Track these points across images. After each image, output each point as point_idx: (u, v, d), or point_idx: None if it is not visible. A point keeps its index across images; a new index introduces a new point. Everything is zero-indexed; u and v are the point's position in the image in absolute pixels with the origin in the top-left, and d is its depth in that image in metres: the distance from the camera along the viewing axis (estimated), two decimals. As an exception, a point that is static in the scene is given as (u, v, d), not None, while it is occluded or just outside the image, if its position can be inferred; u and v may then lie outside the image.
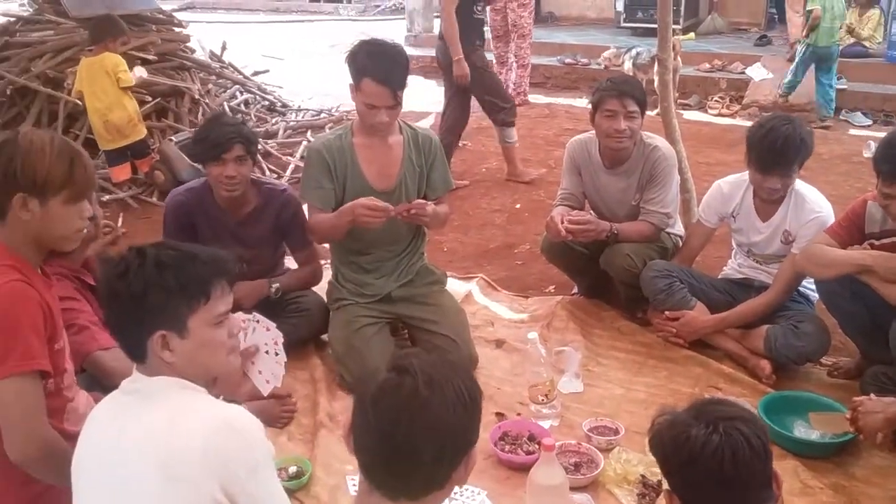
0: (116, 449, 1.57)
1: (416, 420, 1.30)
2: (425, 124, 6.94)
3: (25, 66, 5.90)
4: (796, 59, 7.16)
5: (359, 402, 1.36)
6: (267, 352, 2.30)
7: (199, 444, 1.50)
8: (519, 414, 2.88)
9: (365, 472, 1.36)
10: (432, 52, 9.90)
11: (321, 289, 3.44)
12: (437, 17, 11.46)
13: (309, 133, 6.76)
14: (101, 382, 2.35)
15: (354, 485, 2.50)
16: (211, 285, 1.62)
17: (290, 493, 2.31)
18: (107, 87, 5.03)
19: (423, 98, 7.93)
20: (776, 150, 2.96)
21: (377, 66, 2.88)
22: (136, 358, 1.62)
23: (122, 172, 5.35)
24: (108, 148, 5.27)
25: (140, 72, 5.46)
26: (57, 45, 6.00)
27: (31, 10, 6.67)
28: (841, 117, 7.29)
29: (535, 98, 8.20)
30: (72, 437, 1.77)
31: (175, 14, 7.25)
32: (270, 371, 2.30)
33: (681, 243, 3.56)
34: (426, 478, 1.34)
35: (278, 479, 1.69)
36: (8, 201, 1.88)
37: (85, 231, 2.08)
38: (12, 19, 6.51)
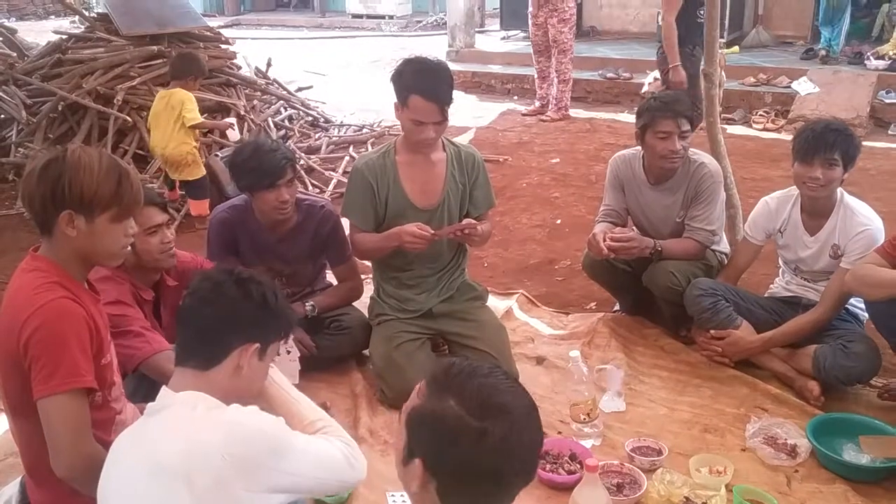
0: (143, 471, 1.60)
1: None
2: (465, 139, 6.99)
3: (77, 82, 6.04)
4: None
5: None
6: (278, 353, 2.32)
7: (216, 451, 1.57)
8: (560, 433, 2.85)
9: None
10: (473, 68, 10.08)
11: (363, 304, 3.46)
12: (479, 32, 11.57)
13: (351, 148, 6.83)
14: (146, 387, 2.40)
15: (395, 501, 2.50)
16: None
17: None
18: (168, 121, 5.04)
19: (464, 113, 7.97)
20: (817, 134, 2.99)
21: (424, 83, 2.91)
22: (213, 360, 1.73)
23: (200, 207, 5.23)
24: (172, 178, 5.28)
25: (234, 135, 5.55)
26: (108, 63, 6.15)
27: (82, 27, 6.84)
28: (890, 132, 7.14)
29: (576, 113, 8.18)
30: None
31: (221, 31, 7.38)
32: (287, 371, 2.33)
33: (726, 261, 3.51)
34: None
35: (309, 440, 1.76)
36: (55, 218, 1.90)
37: (129, 248, 2.11)
38: (64, 37, 6.69)
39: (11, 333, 1.87)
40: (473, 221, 3.07)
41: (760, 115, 7.73)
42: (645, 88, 8.33)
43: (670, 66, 5.36)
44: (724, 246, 3.59)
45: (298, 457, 1.69)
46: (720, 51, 7.40)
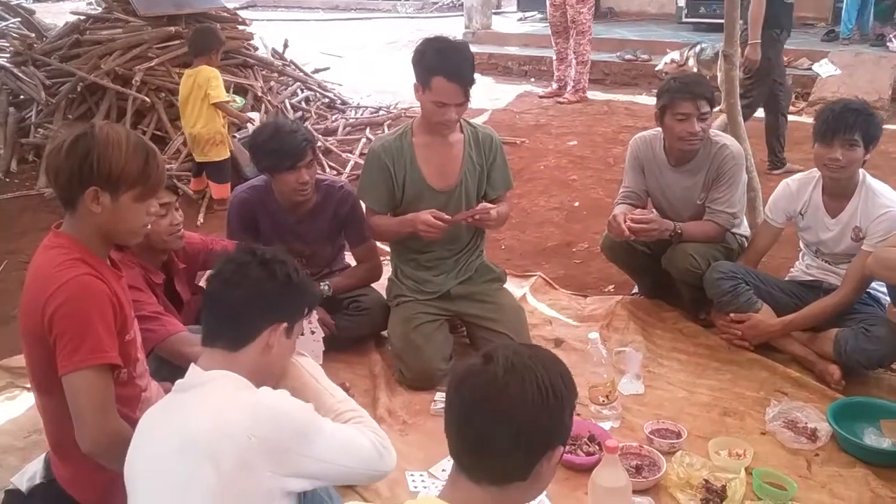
0: (171, 448, 1.62)
1: (492, 406, 1.33)
2: (481, 121, 6.95)
3: (95, 63, 6.04)
4: None
5: (448, 387, 1.41)
6: (302, 333, 2.32)
7: (242, 432, 1.59)
8: (578, 414, 2.84)
9: (452, 456, 1.39)
10: (490, 49, 10.02)
11: (381, 286, 3.46)
12: (496, 13, 11.49)
13: (368, 130, 6.81)
14: (169, 366, 2.42)
15: (414, 480, 2.52)
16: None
17: (351, 487, 2.33)
18: (196, 100, 5.03)
19: (480, 95, 7.92)
20: (836, 114, 2.96)
21: (447, 64, 2.88)
22: (242, 341, 1.73)
23: (222, 191, 5.18)
24: (197, 160, 5.26)
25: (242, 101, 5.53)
26: (125, 43, 6.14)
27: (100, 8, 6.84)
28: (913, 115, 7.06)
29: (594, 95, 8.11)
30: None
31: (238, 12, 7.36)
32: (311, 351, 2.34)
33: (746, 244, 3.49)
34: (504, 465, 1.36)
35: (339, 427, 1.77)
36: (80, 194, 1.90)
37: (149, 227, 2.11)
38: (82, 17, 6.69)
39: (36, 310, 1.88)
40: (487, 205, 3.06)
41: (780, 98, 7.64)
42: (659, 67, 8.29)
43: (749, 41, 5.30)
44: (744, 229, 3.56)
45: (327, 443, 1.70)
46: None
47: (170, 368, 2.35)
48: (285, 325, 1.79)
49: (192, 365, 1.75)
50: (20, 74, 6.37)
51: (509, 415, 1.32)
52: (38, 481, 2.32)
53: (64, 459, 2.09)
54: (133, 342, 2.06)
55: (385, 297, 3.38)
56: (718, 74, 7.12)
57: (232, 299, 1.74)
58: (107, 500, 2.09)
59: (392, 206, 3.14)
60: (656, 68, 8.44)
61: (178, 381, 1.74)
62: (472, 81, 2.94)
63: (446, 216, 2.98)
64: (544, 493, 2.39)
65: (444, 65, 2.87)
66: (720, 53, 7.28)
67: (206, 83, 5.00)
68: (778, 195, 3.30)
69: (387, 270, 3.50)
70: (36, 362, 1.98)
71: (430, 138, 3.09)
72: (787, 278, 3.41)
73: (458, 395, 1.36)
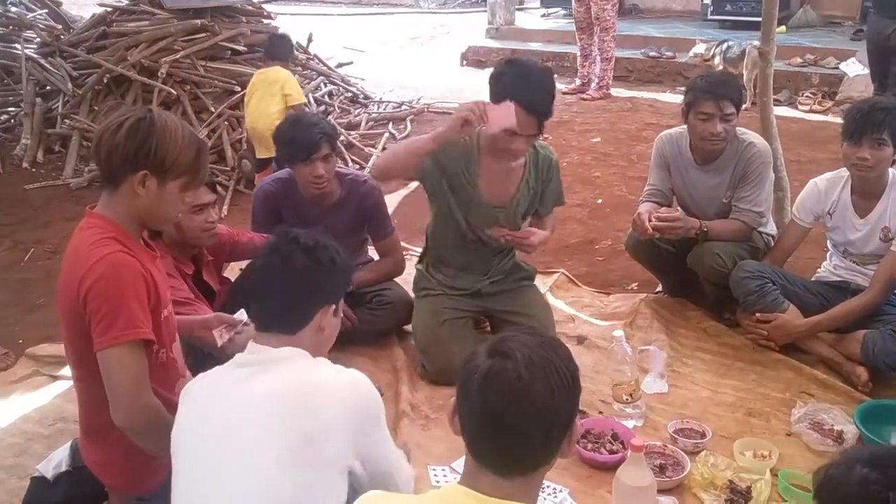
0: (249, 412, 1.66)
1: (522, 405, 1.33)
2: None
3: (122, 55, 6.09)
4: None
5: (465, 389, 1.39)
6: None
7: (336, 398, 1.67)
8: (601, 412, 2.84)
9: (474, 454, 1.38)
10: (513, 45, 9.98)
11: (404, 281, 3.46)
12: (519, 9, 11.44)
13: (390, 125, 6.81)
14: (197, 353, 2.43)
15: (436, 474, 2.52)
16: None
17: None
18: (262, 96, 5.06)
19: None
20: (864, 113, 2.93)
21: (525, 92, 2.68)
22: (297, 326, 1.78)
23: None
24: (258, 156, 5.26)
25: None
26: (152, 35, 6.18)
27: (126, 0, 6.89)
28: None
29: (618, 92, 8.06)
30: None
31: (263, 6, 7.38)
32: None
33: (772, 243, 3.45)
34: (536, 456, 1.38)
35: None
36: (130, 175, 1.93)
37: (180, 215, 2.15)
38: (109, 9, 6.73)
39: (71, 288, 1.91)
40: (531, 231, 2.99)
41: (807, 96, 7.57)
42: (684, 60, 8.22)
43: None
44: (770, 228, 3.53)
45: (385, 435, 1.81)
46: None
47: (196, 357, 2.35)
48: (334, 306, 1.86)
49: (252, 342, 1.79)
50: (47, 65, 6.42)
51: (539, 411, 1.33)
52: (63, 469, 2.36)
53: (96, 443, 2.11)
54: (170, 320, 2.08)
55: (407, 291, 3.38)
56: (745, 73, 7.10)
57: (282, 290, 1.79)
58: (136, 486, 2.12)
59: (441, 201, 3.03)
60: (682, 60, 8.38)
61: (240, 357, 1.78)
62: (548, 114, 2.74)
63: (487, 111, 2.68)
64: (567, 491, 2.41)
65: (521, 92, 2.67)
66: (747, 52, 7.29)
67: (281, 83, 5.04)
68: (805, 195, 3.27)
69: (410, 265, 3.50)
70: (72, 342, 2.00)
71: (496, 160, 2.94)
72: (813, 279, 3.37)
73: (482, 398, 1.35)
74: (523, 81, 2.70)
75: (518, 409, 1.32)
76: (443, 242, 3.19)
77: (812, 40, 8.87)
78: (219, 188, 3.20)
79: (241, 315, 2.37)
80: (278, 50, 5.34)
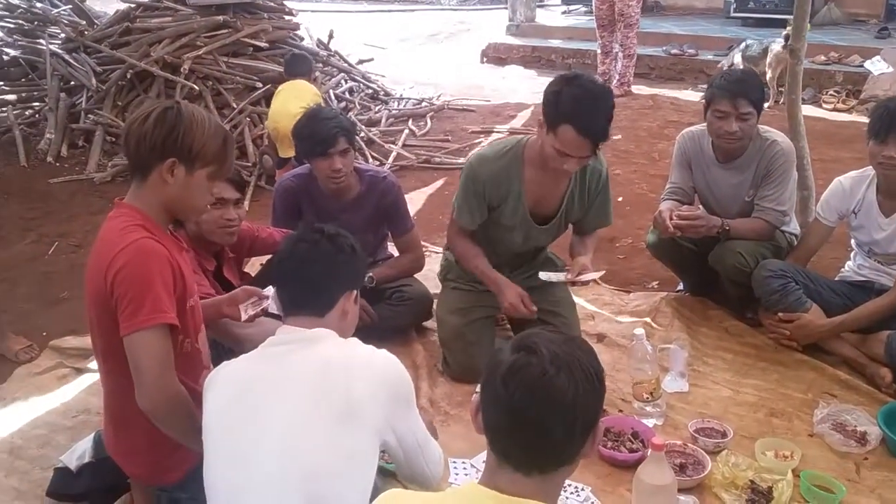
0: (285, 387, 1.72)
1: (547, 399, 1.32)
2: (525, 116, 6.91)
3: (145, 51, 6.13)
4: None
5: (489, 384, 1.38)
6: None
7: (372, 373, 1.76)
8: (621, 411, 2.83)
9: (496, 449, 1.38)
10: (533, 42, 9.96)
11: (424, 277, 3.47)
12: (540, 6, 11.40)
13: (410, 122, 6.82)
14: (218, 349, 2.45)
15: (456, 468, 2.52)
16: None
17: (390, 474, 2.34)
18: (288, 100, 5.12)
19: (524, 90, 7.88)
20: (890, 111, 2.90)
21: (582, 114, 2.57)
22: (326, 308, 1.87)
23: None
24: (280, 155, 5.31)
25: None
26: (175, 32, 6.22)
27: (150, -3, 6.94)
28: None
29: (639, 89, 8.02)
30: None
31: (284, 2, 7.41)
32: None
33: (795, 242, 3.42)
34: (557, 453, 1.36)
35: None
36: (158, 163, 1.96)
37: (208, 207, 2.19)
38: (133, 6, 6.78)
39: (99, 274, 1.94)
40: (586, 275, 2.90)
41: (831, 94, 7.50)
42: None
43: None
44: (793, 227, 3.50)
45: (416, 414, 1.89)
46: (788, 28, 7.18)
47: (218, 351, 2.37)
48: (356, 292, 1.94)
49: (284, 326, 1.85)
50: (71, 61, 6.48)
51: (564, 407, 1.32)
52: (86, 460, 2.39)
53: (120, 431, 2.13)
54: (195, 309, 2.11)
55: (427, 287, 3.38)
56: (767, 71, 7.04)
57: (311, 274, 1.87)
58: (158, 477, 2.14)
59: (481, 220, 3.00)
60: (706, 58, 8.32)
61: (272, 339, 1.84)
62: (605, 137, 2.63)
63: (533, 307, 2.88)
64: (589, 489, 2.40)
65: (577, 114, 2.56)
66: (768, 49, 7.23)
67: (310, 94, 5.15)
68: (830, 193, 3.24)
69: (430, 262, 3.50)
70: (101, 331, 2.02)
71: (540, 171, 2.85)
72: (836, 278, 3.34)
73: (506, 392, 1.34)
74: (581, 104, 2.58)
75: (541, 403, 1.32)
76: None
77: (836, 38, 8.78)
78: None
79: (269, 290, 2.40)
80: (299, 67, 5.53)
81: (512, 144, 2.94)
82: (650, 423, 2.71)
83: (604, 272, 3.24)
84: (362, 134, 6.08)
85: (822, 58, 8.09)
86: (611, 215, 3.14)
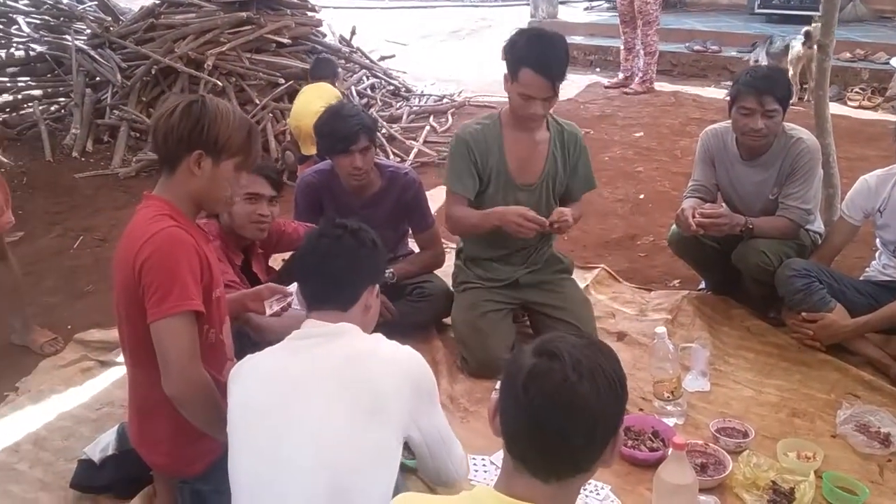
0: (311, 380, 1.74)
1: (568, 406, 1.30)
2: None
3: (169, 47, 6.18)
4: None
5: (508, 387, 1.36)
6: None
7: (398, 368, 1.78)
8: (641, 409, 2.82)
9: (513, 453, 1.37)
10: (556, 39, 9.89)
11: (444, 273, 3.47)
12: (562, 2, 11.36)
13: (431, 118, 6.82)
14: (242, 340, 2.46)
15: (475, 464, 2.52)
16: None
17: (411, 470, 2.35)
18: (310, 101, 5.14)
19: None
20: None
21: (537, 56, 2.79)
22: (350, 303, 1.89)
23: None
24: (303, 153, 5.34)
25: None
26: (199, 28, 6.26)
27: (174, -7, 6.99)
28: None
29: (661, 86, 7.96)
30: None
31: (306, -1, 7.44)
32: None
33: (819, 241, 3.39)
34: (577, 460, 1.35)
35: None
36: (186, 156, 2.00)
37: (234, 199, 2.21)
38: (157, 2, 6.83)
39: (127, 263, 1.97)
40: (565, 211, 2.97)
41: (856, 92, 7.42)
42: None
43: None
44: (818, 226, 3.46)
45: (439, 410, 1.92)
46: (813, 25, 7.09)
47: (242, 343, 2.38)
48: (377, 287, 1.96)
49: (310, 320, 1.87)
50: (97, 56, 6.53)
51: (585, 413, 1.31)
52: (110, 452, 2.42)
53: (144, 420, 2.15)
54: (221, 300, 2.13)
55: (447, 283, 3.39)
56: (789, 68, 6.97)
57: (334, 269, 1.89)
58: (180, 468, 2.16)
59: (475, 194, 3.09)
60: (728, 55, 8.26)
61: (297, 332, 1.86)
62: (561, 76, 2.84)
63: (540, 217, 2.90)
64: (609, 488, 2.40)
65: (533, 56, 2.78)
66: (789, 47, 7.16)
67: (332, 96, 5.14)
68: (855, 191, 3.21)
69: (450, 257, 3.50)
70: (127, 319, 2.05)
71: (518, 133, 3.04)
72: (861, 278, 3.31)
73: (526, 397, 1.32)
74: (535, 46, 2.80)
75: (563, 410, 1.30)
76: (480, 238, 3.18)
77: (862, 35, 8.68)
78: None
79: (293, 287, 2.42)
80: (323, 70, 5.56)
81: (493, 114, 3.15)
82: (671, 422, 2.70)
83: (580, 216, 3.25)
84: (383, 130, 6.09)
85: (848, 54, 8.00)
86: (594, 178, 3.27)
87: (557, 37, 2.92)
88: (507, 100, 3.00)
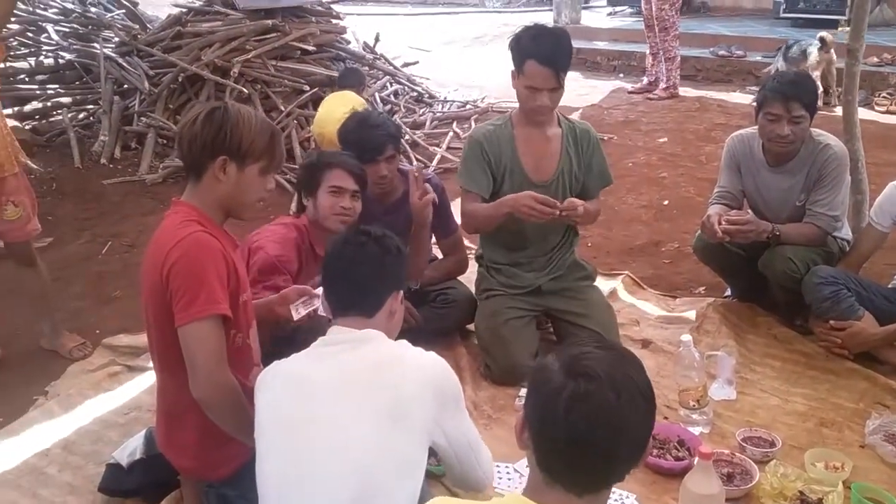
0: (337, 386, 1.76)
1: (609, 426, 1.31)
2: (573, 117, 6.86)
3: (196, 55, 6.24)
4: None
5: (543, 408, 1.35)
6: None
7: (423, 374, 1.79)
8: (666, 418, 2.80)
9: (543, 467, 1.36)
10: (579, 44, 9.87)
11: (468, 280, 3.47)
12: (585, 7, 11.33)
13: (455, 124, 6.83)
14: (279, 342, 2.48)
15: (499, 472, 2.51)
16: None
17: (437, 477, 2.36)
18: (333, 108, 5.16)
19: (569, 91, 7.77)
20: None
21: (541, 47, 2.87)
22: (375, 309, 1.90)
23: None
24: None
25: None
26: (225, 36, 6.33)
27: (201, 1, 7.06)
28: None
29: (685, 91, 7.91)
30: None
31: (332, 6, 7.48)
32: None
33: (847, 248, 3.36)
34: (616, 473, 1.37)
35: None
36: (211, 162, 2.04)
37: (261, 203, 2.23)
38: (184, 10, 6.92)
39: (155, 269, 2.00)
40: (575, 201, 2.96)
41: (884, 96, 7.33)
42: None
43: None
44: (845, 233, 3.42)
45: (466, 415, 1.92)
46: (840, 30, 7.03)
47: (278, 344, 2.38)
48: (401, 292, 1.97)
49: (335, 326, 1.89)
50: (124, 64, 6.61)
51: (628, 431, 1.32)
52: (138, 456, 2.44)
53: (172, 424, 2.18)
54: (248, 305, 2.15)
55: (471, 290, 3.39)
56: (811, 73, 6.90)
57: (359, 276, 1.90)
58: (207, 472, 2.18)
59: (490, 196, 3.12)
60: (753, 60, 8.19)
61: (322, 339, 1.88)
62: (565, 67, 2.91)
63: (551, 199, 2.91)
64: (634, 497, 2.38)
65: (537, 48, 2.87)
66: (807, 52, 7.09)
67: (355, 105, 5.13)
68: (884, 198, 3.17)
69: (474, 264, 3.50)
70: (156, 323, 2.07)
71: (530, 130, 3.08)
72: (890, 286, 3.27)
73: (567, 421, 1.31)
74: (538, 39, 2.88)
75: (607, 432, 1.30)
76: (500, 240, 3.19)
77: (889, 39, 8.57)
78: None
79: (319, 290, 2.42)
80: (350, 80, 5.61)
81: (504, 115, 3.24)
82: (696, 430, 2.68)
83: (596, 211, 3.24)
84: (407, 137, 6.12)
85: (875, 59, 7.89)
86: (609, 173, 3.29)
87: (560, 31, 3.04)
88: (525, 103, 3.03)
